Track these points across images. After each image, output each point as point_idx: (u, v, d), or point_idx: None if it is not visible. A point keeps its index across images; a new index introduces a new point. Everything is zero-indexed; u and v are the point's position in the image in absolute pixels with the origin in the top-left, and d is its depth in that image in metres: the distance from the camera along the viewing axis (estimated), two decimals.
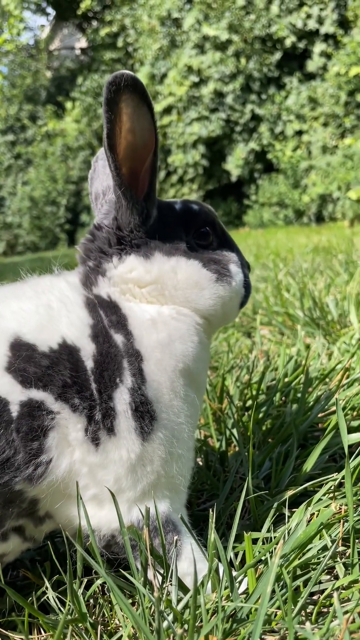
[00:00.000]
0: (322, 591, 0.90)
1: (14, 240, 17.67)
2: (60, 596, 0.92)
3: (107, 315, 0.93)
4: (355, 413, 1.43)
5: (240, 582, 0.88)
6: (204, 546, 0.93)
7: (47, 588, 0.92)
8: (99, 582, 0.92)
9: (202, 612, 0.78)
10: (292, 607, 0.78)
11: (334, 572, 0.96)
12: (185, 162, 13.49)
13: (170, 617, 0.80)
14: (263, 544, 0.99)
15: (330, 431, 1.25)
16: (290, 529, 0.96)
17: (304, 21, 12.70)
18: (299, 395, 1.51)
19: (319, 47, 12.72)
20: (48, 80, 19.95)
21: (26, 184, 17.78)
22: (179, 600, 0.84)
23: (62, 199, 16.98)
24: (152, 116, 0.90)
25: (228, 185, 13.84)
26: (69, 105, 17.49)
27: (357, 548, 0.92)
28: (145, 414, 0.89)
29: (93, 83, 16.20)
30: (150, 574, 0.87)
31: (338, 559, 0.95)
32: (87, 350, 0.89)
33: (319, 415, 1.44)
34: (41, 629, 0.90)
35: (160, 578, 0.89)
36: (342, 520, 0.99)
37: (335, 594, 0.73)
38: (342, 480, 1.14)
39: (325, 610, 0.86)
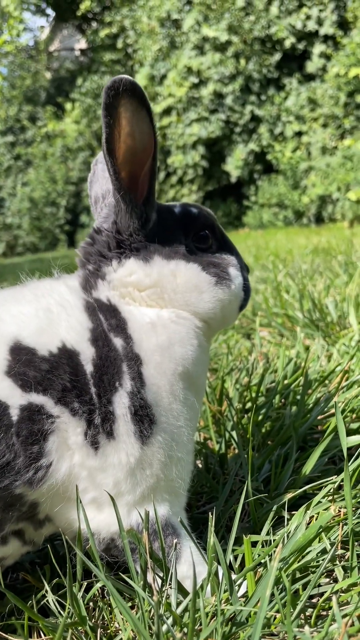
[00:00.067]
0: (322, 594, 0.90)
1: (13, 241, 17.68)
2: (60, 599, 0.93)
3: (106, 319, 0.93)
4: (354, 415, 1.43)
5: (239, 585, 0.88)
6: (204, 549, 0.93)
7: (46, 591, 0.92)
8: (98, 585, 0.92)
9: (201, 615, 0.79)
10: (291, 611, 0.78)
11: (333, 575, 0.96)
12: (184, 163, 13.50)
13: (170, 621, 0.80)
14: (262, 546, 1.00)
15: (330, 434, 1.25)
16: (289, 532, 0.97)
17: (304, 22, 12.71)
18: (298, 397, 1.51)
19: (318, 48, 12.74)
20: (48, 81, 19.96)
21: (26, 185, 17.79)
22: (178, 604, 0.85)
23: (61, 200, 16.99)
24: (151, 120, 0.90)
25: (228, 186, 13.84)
26: (68, 106, 17.50)
27: (356, 551, 0.92)
28: (144, 417, 0.89)
29: (93, 84, 16.21)
30: (149, 577, 0.87)
31: (337, 562, 0.95)
32: (87, 354, 0.89)
33: (319, 417, 1.44)
34: (41, 632, 0.90)
35: (159, 581, 0.89)
36: (341, 523, 0.99)
37: (334, 598, 0.73)
38: (342, 483, 1.14)
39: (324, 613, 0.86)
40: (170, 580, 0.87)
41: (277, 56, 13.16)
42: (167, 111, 13.94)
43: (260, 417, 1.49)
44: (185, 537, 0.92)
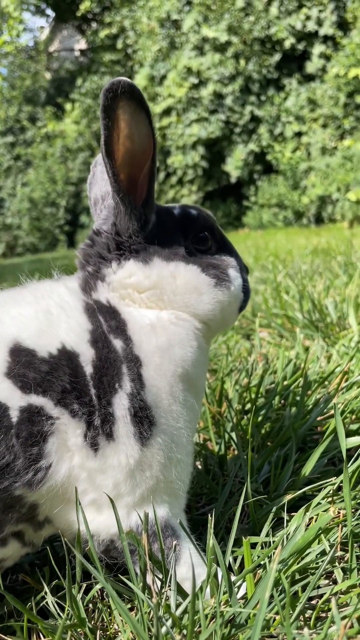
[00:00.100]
0: (321, 596, 0.91)
1: (13, 241, 17.67)
2: (59, 601, 0.93)
3: (106, 321, 0.93)
4: (354, 416, 1.43)
5: (239, 587, 0.88)
6: (203, 551, 0.93)
7: (46, 593, 0.92)
8: (97, 587, 0.92)
9: (200, 617, 0.79)
10: (291, 613, 0.78)
11: (333, 576, 0.96)
12: (184, 164, 13.50)
13: (169, 623, 0.80)
14: (262, 548, 1.00)
15: (329, 435, 1.25)
16: (288, 534, 0.97)
17: (303, 23, 12.72)
18: (298, 398, 1.51)
19: (318, 48, 12.74)
20: (47, 81, 19.96)
21: (25, 185, 17.78)
22: (177, 605, 0.85)
23: (61, 201, 16.98)
24: (149, 122, 0.91)
25: (227, 186, 13.85)
26: (68, 106, 17.50)
27: (356, 553, 0.92)
28: (144, 419, 0.89)
29: (92, 85, 16.21)
30: (149, 578, 0.87)
31: (336, 564, 0.95)
32: (87, 356, 0.89)
33: (318, 418, 1.44)
34: (40, 634, 0.90)
35: (159, 583, 0.89)
36: (340, 525, 0.99)
37: (333, 599, 0.73)
38: (341, 484, 1.14)
39: (323, 615, 0.86)
40: (170, 581, 0.87)
41: (277, 57, 13.17)
42: (166, 112, 13.94)
43: (259, 418, 1.49)
44: (185, 538, 0.92)
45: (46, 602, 0.92)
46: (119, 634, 0.87)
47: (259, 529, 1.07)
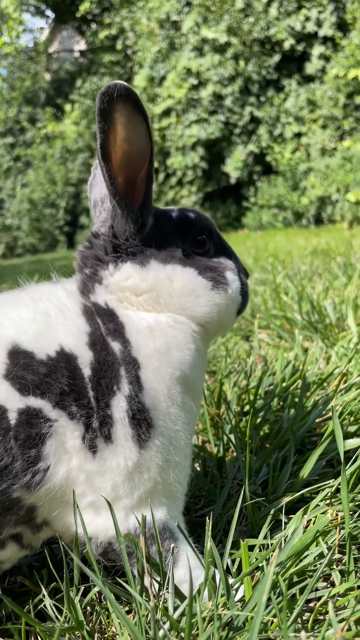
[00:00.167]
0: (319, 598, 0.91)
1: (13, 242, 17.67)
2: (57, 604, 0.93)
3: (104, 323, 0.93)
4: (352, 418, 1.43)
5: (236, 590, 0.88)
6: (202, 553, 0.93)
7: (44, 596, 0.92)
8: (95, 589, 0.92)
9: (198, 620, 0.79)
10: (288, 615, 0.78)
11: (330, 579, 0.96)
12: (184, 165, 13.51)
13: (167, 626, 0.80)
14: (260, 550, 1.00)
15: (328, 437, 1.25)
16: (286, 536, 0.97)
17: (303, 24, 12.72)
18: (296, 400, 1.51)
19: (317, 49, 12.75)
20: (47, 82, 19.97)
21: (25, 186, 17.79)
22: (175, 608, 0.85)
23: (61, 201, 16.99)
24: (147, 124, 0.91)
25: (227, 187, 13.85)
26: (68, 107, 17.51)
27: (353, 555, 0.92)
28: (142, 421, 0.89)
29: (92, 85, 16.21)
30: (146, 581, 0.87)
31: (334, 566, 0.95)
32: (85, 358, 0.89)
33: (317, 420, 1.44)
34: (38, 637, 0.90)
35: (156, 586, 0.89)
36: (338, 527, 0.99)
37: (330, 603, 0.73)
38: (340, 487, 1.14)
39: (321, 617, 0.86)
40: (168, 584, 0.87)
41: (277, 57, 13.17)
42: (166, 112, 13.95)
43: (258, 420, 1.49)
44: (183, 541, 0.93)
45: (44, 605, 0.92)
46: (117, 636, 0.87)
47: (257, 531, 1.07)
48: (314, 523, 1.02)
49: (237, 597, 0.89)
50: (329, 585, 0.94)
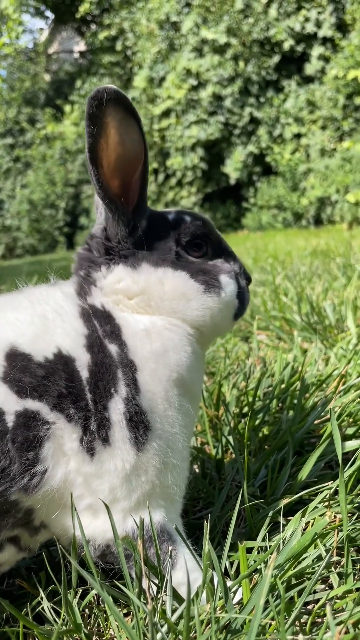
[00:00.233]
0: (317, 601, 0.90)
1: (12, 243, 17.68)
2: (55, 606, 0.92)
3: (101, 326, 0.93)
4: (351, 420, 1.43)
5: (234, 593, 0.88)
6: (200, 555, 0.93)
7: (42, 598, 0.92)
8: (93, 592, 0.92)
9: (196, 623, 0.79)
10: (286, 618, 0.78)
11: (329, 581, 0.96)
12: (184, 165, 13.51)
13: (165, 628, 0.80)
14: (258, 553, 1.00)
15: (326, 439, 1.25)
16: (285, 538, 0.97)
17: (302, 24, 12.74)
18: (295, 401, 1.51)
19: (317, 50, 12.76)
20: (47, 83, 19.98)
21: (25, 187, 17.80)
22: (173, 611, 0.85)
23: (60, 202, 17.00)
24: (139, 127, 0.91)
25: (227, 188, 13.86)
26: (67, 108, 17.53)
27: (352, 557, 0.92)
28: (139, 424, 0.89)
29: (92, 86, 16.21)
30: (144, 584, 0.87)
31: (332, 569, 0.95)
32: (82, 361, 0.89)
33: (316, 422, 1.44)
34: None
35: (154, 588, 0.89)
36: (336, 530, 0.99)
37: (327, 605, 0.73)
38: (338, 489, 1.14)
39: (319, 620, 0.86)
40: (165, 587, 0.87)
41: (276, 58, 13.19)
42: (166, 113, 13.96)
43: (257, 422, 1.49)
44: (181, 543, 0.92)
45: (42, 608, 0.92)
46: (115, 639, 0.87)
47: (256, 533, 1.07)
48: (312, 525, 1.02)
49: (235, 599, 0.89)
50: (327, 588, 0.94)
